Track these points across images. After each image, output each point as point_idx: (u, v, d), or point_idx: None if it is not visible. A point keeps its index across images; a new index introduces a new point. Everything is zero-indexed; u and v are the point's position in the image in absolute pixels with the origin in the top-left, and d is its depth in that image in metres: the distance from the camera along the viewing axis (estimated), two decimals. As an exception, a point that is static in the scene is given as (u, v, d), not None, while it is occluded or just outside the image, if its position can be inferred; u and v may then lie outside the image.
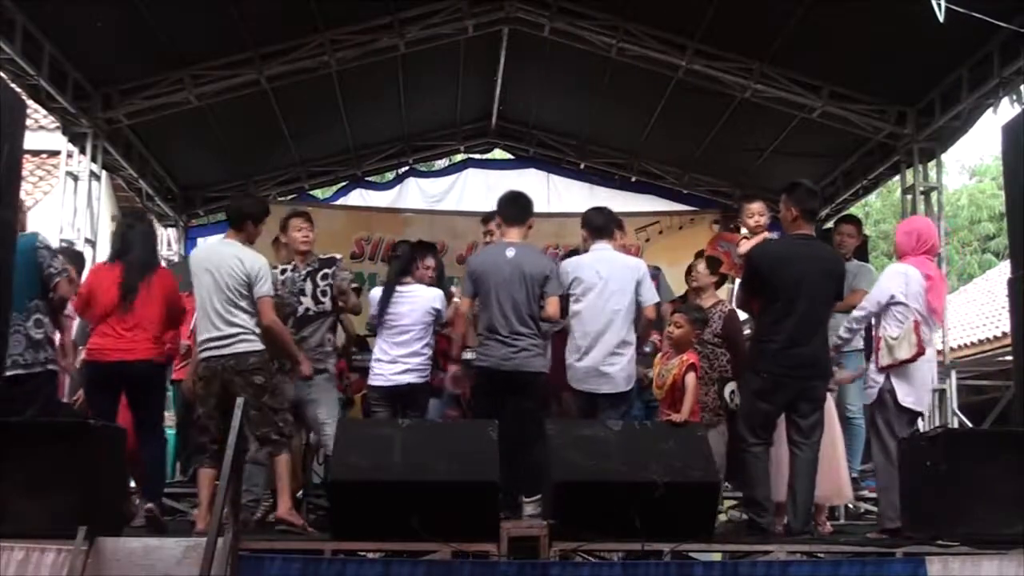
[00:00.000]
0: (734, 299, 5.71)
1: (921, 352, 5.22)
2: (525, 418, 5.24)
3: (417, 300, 5.95)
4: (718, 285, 6.35)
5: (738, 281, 6.07)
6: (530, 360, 5.43)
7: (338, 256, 6.18)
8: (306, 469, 6.36)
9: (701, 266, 6.25)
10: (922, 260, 5.44)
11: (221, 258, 5.28)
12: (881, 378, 5.28)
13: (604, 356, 5.49)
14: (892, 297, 5.29)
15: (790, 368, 5.11)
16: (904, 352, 5.20)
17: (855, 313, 5.47)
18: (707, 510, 4.74)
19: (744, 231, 6.25)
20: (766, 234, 5.80)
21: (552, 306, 5.50)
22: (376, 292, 6.16)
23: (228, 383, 5.12)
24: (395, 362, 5.85)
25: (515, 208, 5.72)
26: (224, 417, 5.00)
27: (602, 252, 5.74)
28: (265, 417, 5.18)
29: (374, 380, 5.95)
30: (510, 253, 5.52)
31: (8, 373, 4.95)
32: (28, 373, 5.11)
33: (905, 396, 5.22)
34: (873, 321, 5.51)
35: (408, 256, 6.13)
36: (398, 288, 5.98)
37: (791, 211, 5.34)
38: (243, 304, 5.20)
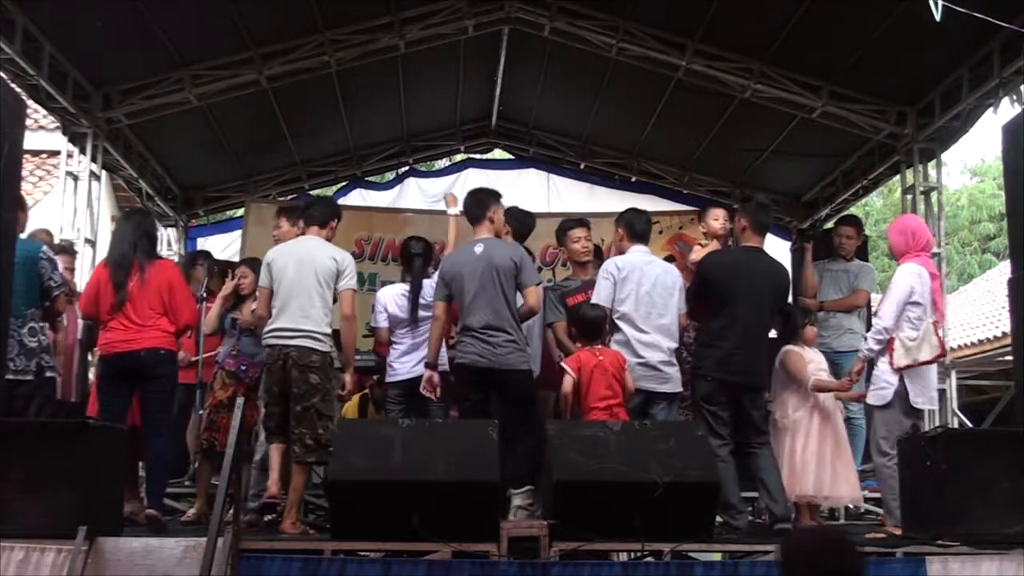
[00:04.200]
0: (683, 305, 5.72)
1: (943, 354, 5.33)
2: (508, 416, 5.20)
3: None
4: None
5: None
6: (507, 357, 5.32)
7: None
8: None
9: None
10: (924, 259, 5.52)
11: (312, 252, 5.34)
12: (895, 379, 5.30)
13: (663, 356, 5.51)
14: (911, 296, 5.32)
15: (733, 373, 5.25)
16: (926, 354, 5.28)
17: (880, 324, 5.39)
18: (707, 510, 4.73)
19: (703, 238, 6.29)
20: (716, 243, 5.89)
21: (532, 296, 5.46)
22: (388, 291, 6.16)
23: (288, 373, 5.15)
24: (412, 352, 5.89)
25: (473, 207, 5.69)
26: (285, 402, 5.18)
27: (645, 255, 5.77)
28: (308, 418, 5.15)
29: (392, 376, 5.96)
30: (478, 249, 5.49)
31: None
32: (16, 380, 5.07)
33: (916, 396, 5.29)
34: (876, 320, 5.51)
35: (429, 254, 6.17)
36: (424, 283, 5.99)
37: (742, 223, 5.54)
38: (327, 297, 5.27)
